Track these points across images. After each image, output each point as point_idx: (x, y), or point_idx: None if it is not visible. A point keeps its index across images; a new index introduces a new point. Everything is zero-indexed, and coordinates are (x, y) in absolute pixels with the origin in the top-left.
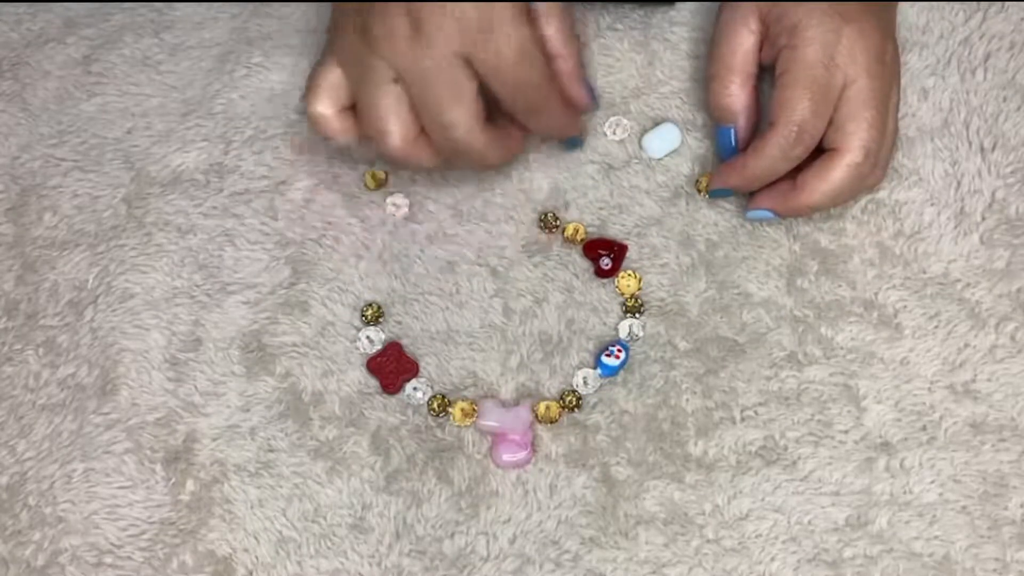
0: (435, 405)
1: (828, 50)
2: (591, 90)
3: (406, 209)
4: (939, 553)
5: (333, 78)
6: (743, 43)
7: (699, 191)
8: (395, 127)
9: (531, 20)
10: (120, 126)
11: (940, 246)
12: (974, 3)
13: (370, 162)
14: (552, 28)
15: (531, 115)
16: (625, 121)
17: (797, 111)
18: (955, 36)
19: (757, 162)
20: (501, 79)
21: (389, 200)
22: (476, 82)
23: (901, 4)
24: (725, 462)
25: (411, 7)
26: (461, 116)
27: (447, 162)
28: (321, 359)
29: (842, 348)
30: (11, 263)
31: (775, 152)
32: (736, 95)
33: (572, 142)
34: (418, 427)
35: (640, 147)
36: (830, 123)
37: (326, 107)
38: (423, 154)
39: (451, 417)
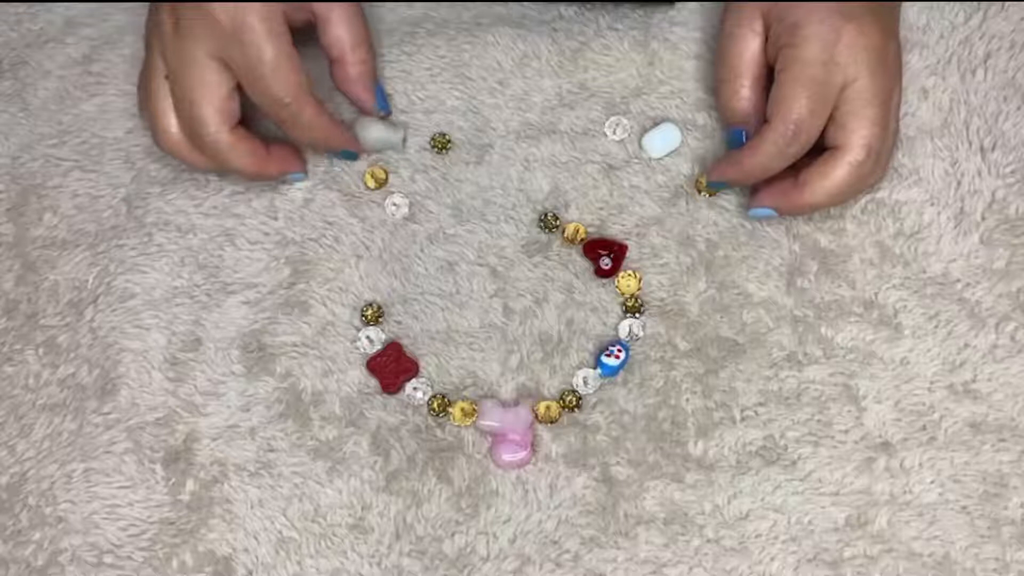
0: (435, 405)
1: (827, 49)
2: (382, 96)
3: (406, 209)
4: (939, 553)
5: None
6: (749, 45)
7: (699, 191)
8: (165, 123)
9: (316, 26)
10: (120, 126)
11: (940, 246)
12: (974, 3)
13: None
14: (339, 31)
15: (287, 127)
16: (625, 121)
17: (794, 109)
18: (955, 36)
19: (753, 158)
20: (252, 88)
21: (389, 200)
22: (232, 84)
23: (902, 4)
24: (725, 462)
25: (176, 5)
26: (208, 114)
27: (213, 165)
28: (321, 359)
29: (842, 348)
30: (11, 263)
31: (771, 149)
32: (747, 97)
33: (346, 154)
34: (418, 427)
35: (640, 147)
36: (832, 121)
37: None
38: (192, 154)
39: (451, 417)
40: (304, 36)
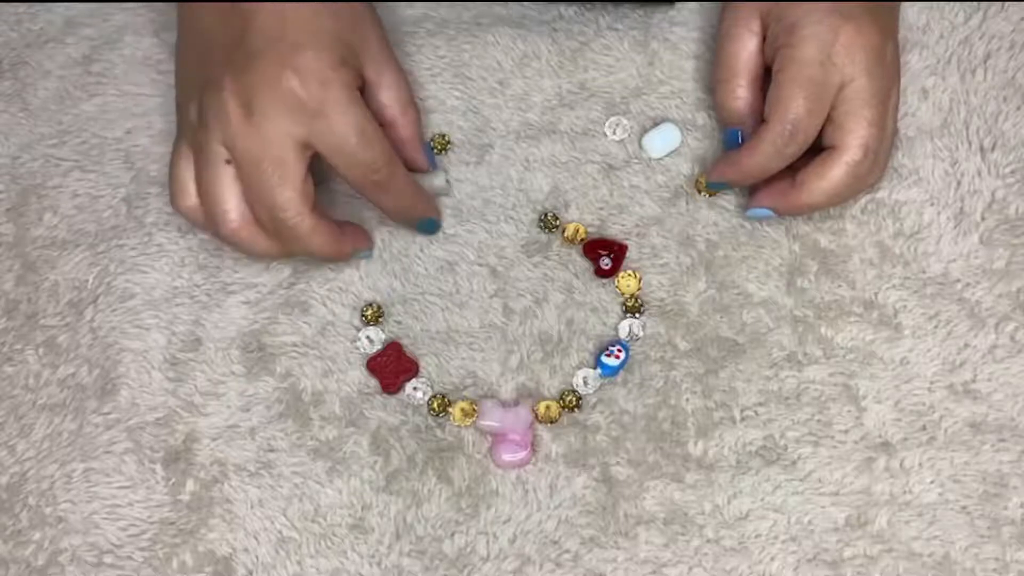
0: (435, 405)
1: (825, 48)
2: (430, 155)
3: None
4: (939, 553)
5: (189, 166)
6: (747, 45)
7: (699, 191)
8: (229, 209)
9: (364, 90)
10: (120, 126)
11: (940, 246)
12: (974, 3)
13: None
14: (388, 96)
15: (377, 195)
16: (625, 121)
17: (791, 109)
18: (955, 36)
19: (751, 159)
20: (342, 160)
21: None
22: (305, 165)
23: (902, 4)
24: (725, 462)
25: (243, 87)
26: (287, 199)
27: (286, 249)
28: (321, 359)
29: (842, 348)
30: (11, 263)
31: (769, 150)
32: (743, 97)
33: (428, 225)
34: (418, 427)
35: (640, 147)
36: (829, 121)
37: (192, 199)
38: (260, 239)
39: (451, 417)
40: None
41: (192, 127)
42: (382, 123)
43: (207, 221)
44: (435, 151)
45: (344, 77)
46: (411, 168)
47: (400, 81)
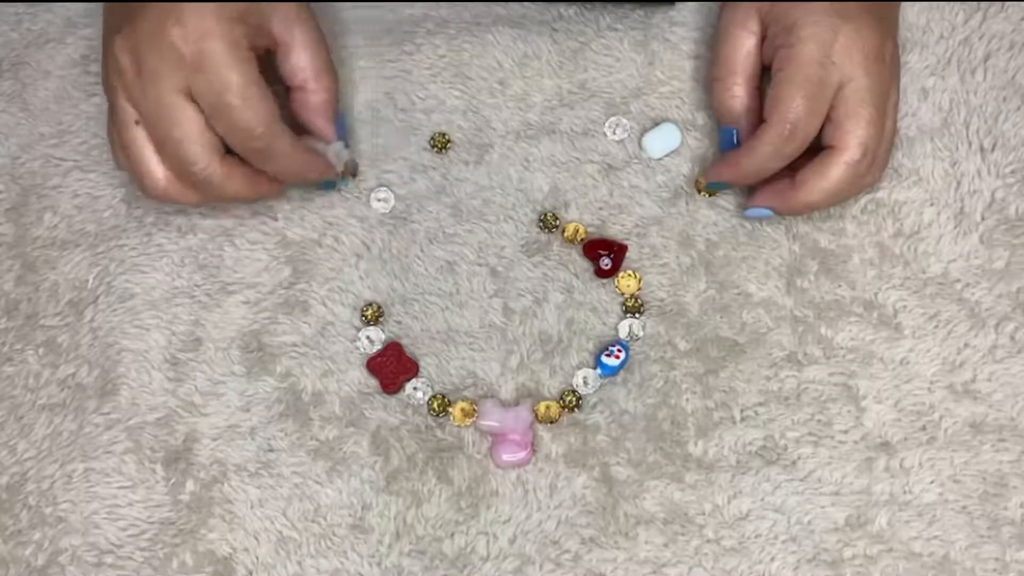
0: (435, 405)
1: (824, 48)
2: (342, 124)
3: (392, 203)
4: (939, 553)
5: (113, 127)
6: (744, 44)
7: (698, 191)
8: (148, 168)
9: (276, 52)
10: None
11: (940, 246)
12: (974, 3)
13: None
14: (300, 58)
15: (260, 161)
16: (625, 121)
17: (791, 109)
18: (955, 36)
19: (751, 159)
20: (219, 119)
21: (373, 195)
22: (201, 113)
23: (902, 4)
24: (725, 462)
25: (132, 41)
26: (195, 151)
27: (211, 198)
28: (321, 359)
29: (842, 348)
30: (11, 263)
31: (768, 149)
32: (739, 96)
33: (326, 185)
34: (418, 427)
35: (640, 147)
36: (828, 121)
37: (122, 162)
38: (185, 193)
39: (451, 417)
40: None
41: (107, 91)
42: (291, 87)
43: (136, 183)
44: (436, 150)
45: (230, 31)
46: (316, 135)
47: (315, 43)
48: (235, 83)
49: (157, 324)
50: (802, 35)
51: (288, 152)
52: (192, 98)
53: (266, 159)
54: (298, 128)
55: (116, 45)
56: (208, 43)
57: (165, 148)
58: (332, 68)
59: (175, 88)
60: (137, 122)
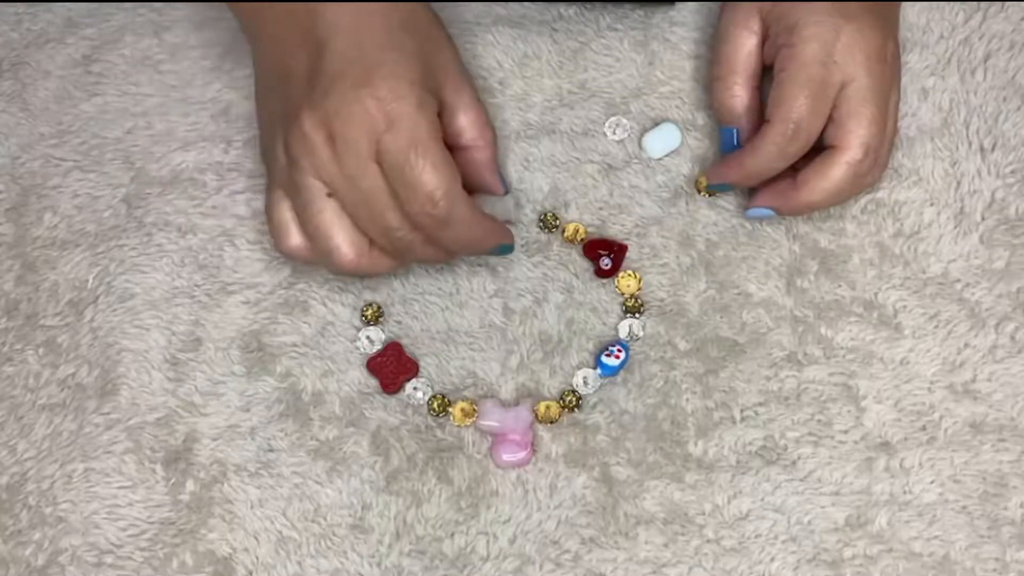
0: (435, 405)
1: (826, 48)
2: (503, 179)
3: None
4: (939, 553)
5: (287, 208)
6: (745, 44)
7: (699, 191)
8: (342, 242)
9: (443, 113)
10: (120, 126)
11: (940, 246)
12: (974, 3)
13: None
14: (465, 118)
15: (437, 227)
16: (625, 121)
17: (794, 109)
18: (955, 36)
19: (754, 159)
20: (402, 181)
21: None
22: None
23: (902, 4)
24: (725, 462)
25: (323, 115)
26: (395, 218)
27: (405, 262)
28: (321, 359)
29: (842, 348)
30: (11, 263)
31: (772, 149)
32: (739, 96)
33: (501, 250)
34: (418, 427)
35: (640, 147)
36: (830, 120)
37: (297, 238)
38: (378, 262)
39: (451, 417)
40: None
41: (283, 167)
42: (459, 147)
43: (319, 258)
44: None
45: (420, 94)
46: (485, 191)
47: (476, 101)
48: (422, 141)
49: (157, 324)
50: (804, 35)
51: (467, 220)
52: (380, 163)
53: (443, 226)
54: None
55: (304, 121)
56: (399, 104)
57: (367, 216)
58: (491, 123)
59: (371, 155)
60: (329, 195)
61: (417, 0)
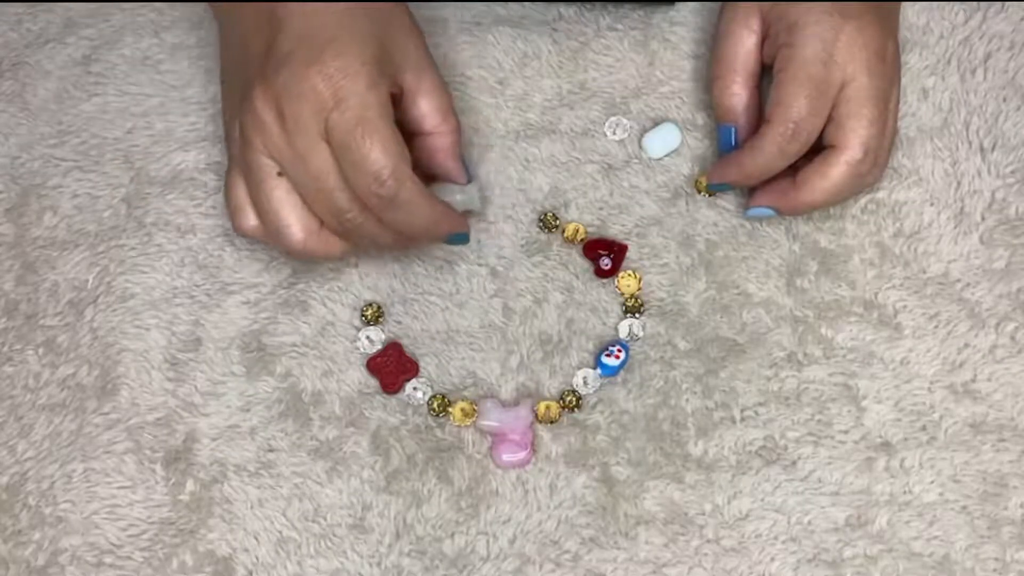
0: (435, 405)
1: (826, 48)
2: (467, 168)
3: None
4: (939, 553)
5: (243, 187)
6: (745, 42)
7: (699, 191)
8: (293, 222)
9: (403, 98)
10: (120, 126)
11: (940, 246)
12: (974, 3)
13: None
14: (427, 104)
15: (385, 209)
16: (625, 121)
17: (794, 108)
18: (955, 36)
19: (754, 159)
20: (346, 160)
21: None
22: None
23: (902, 4)
24: (725, 462)
25: (273, 93)
26: (344, 199)
27: (357, 246)
28: (321, 359)
29: (842, 348)
30: (11, 263)
31: (772, 149)
32: (738, 94)
33: (456, 238)
34: (418, 427)
35: (640, 147)
36: (830, 120)
37: (252, 219)
38: (329, 244)
39: (451, 417)
40: None
41: (239, 151)
42: (420, 132)
43: (271, 239)
44: None
45: (371, 73)
46: (448, 179)
47: (439, 87)
48: (370, 119)
49: (157, 324)
50: (804, 34)
51: (416, 201)
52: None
53: (391, 206)
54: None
55: (256, 99)
56: (348, 81)
57: (316, 197)
58: (454, 110)
59: (320, 133)
60: (280, 173)
61: None
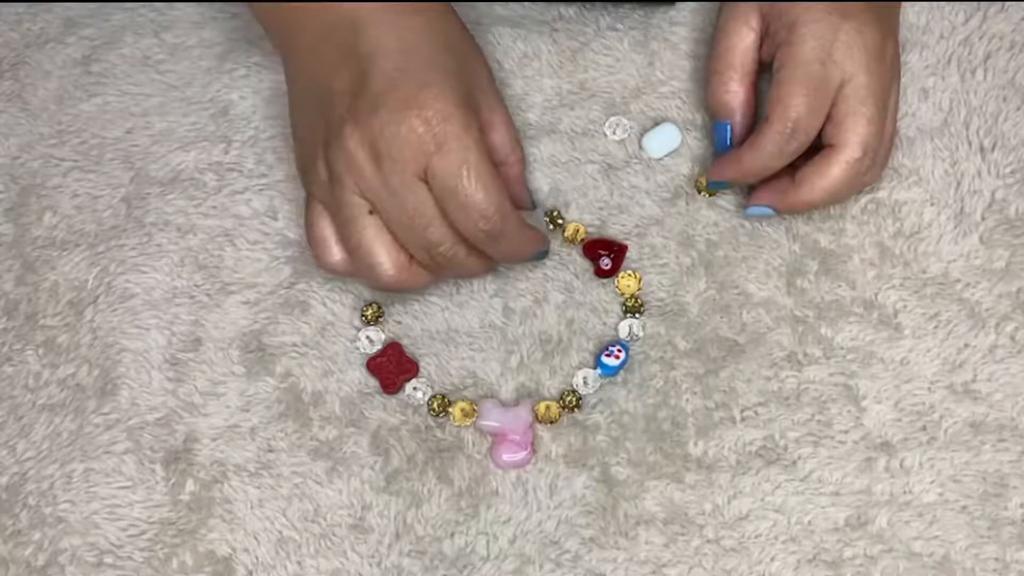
0: (435, 405)
1: (825, 47)
2: (530, 194)
3: None
4: (939, 553)
5: (327, 223)
6: (743, 40)
7: (699, 191)
8: (384, 259)
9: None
10: (120, 126)
11: (940, 246)
12: (974, 3)
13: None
14: (498, 136)
15: (488, 245)
16: (625, 121)
17: (793, 107)
18: (955, 36)
19: (753, 157)
20: (453, 202)
21: None
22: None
23: (902, 3)
24: (725, 462)
25: (368, 133)
26: (439, 235)
27: (448, 275)
28: (321, 359)
29: (842, 348)
30: (11, 263)
31: (770, 148)
32: (735, 92)
33: (539, 255)
34: (418, 427)
35: (640, 147)
36: (829, 119)
37: (337, 254)
38: (417, 277)
39: (451, 417)
40: None
41: (323, 184)
42: (493, 163)
43: (360, 274)
44: None
45: (466, 115)
46: (516, 206)
47: (508, 120)
48: (473, 162)
49: (157, 324)
50: (803, 33)
51: (516, 232)
52: (426, 181)
53: (495, 240)
54: None
55: (348, 138)
56: (446, 125)
57: (410, 233)
58: (520, 140)
59: (416, 174)
60: (371, 212)
61: None
